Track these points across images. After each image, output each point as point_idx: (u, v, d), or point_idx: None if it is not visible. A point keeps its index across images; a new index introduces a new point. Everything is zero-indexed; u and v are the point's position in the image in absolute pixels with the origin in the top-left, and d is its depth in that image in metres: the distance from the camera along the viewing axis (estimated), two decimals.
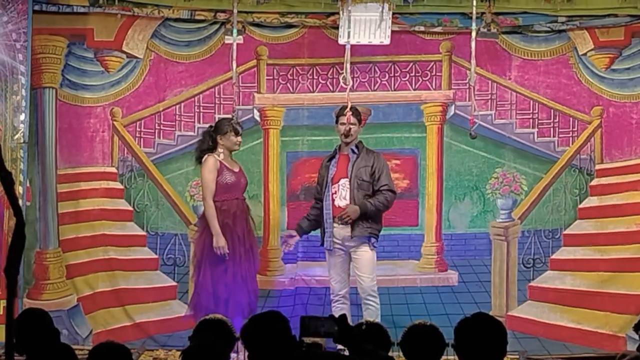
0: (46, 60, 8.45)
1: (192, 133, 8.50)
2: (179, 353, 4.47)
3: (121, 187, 8.54)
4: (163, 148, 8.57)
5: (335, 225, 7.56)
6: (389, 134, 8.52)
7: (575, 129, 8.47)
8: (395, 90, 8.55)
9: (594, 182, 8.45)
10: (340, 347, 4.39)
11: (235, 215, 7.64)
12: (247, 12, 8.35)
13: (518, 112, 8.50)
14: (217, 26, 8.48)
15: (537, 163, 8.50)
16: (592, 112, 8.45)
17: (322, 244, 7.67)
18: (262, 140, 8.56)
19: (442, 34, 8.48)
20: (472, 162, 8.50)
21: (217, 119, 8.12)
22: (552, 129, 8.50)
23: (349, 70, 7.66)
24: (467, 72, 8.11)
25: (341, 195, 7.60)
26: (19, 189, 7.94)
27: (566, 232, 8.43)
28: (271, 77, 8.57)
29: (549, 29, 8.41)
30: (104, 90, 8.52)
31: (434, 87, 8.54)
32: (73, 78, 8.50)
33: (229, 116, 7.89)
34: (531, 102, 8.49)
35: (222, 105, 8.51)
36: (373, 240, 7.55)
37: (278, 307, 7.91)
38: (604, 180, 8.42)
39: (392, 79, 8.55)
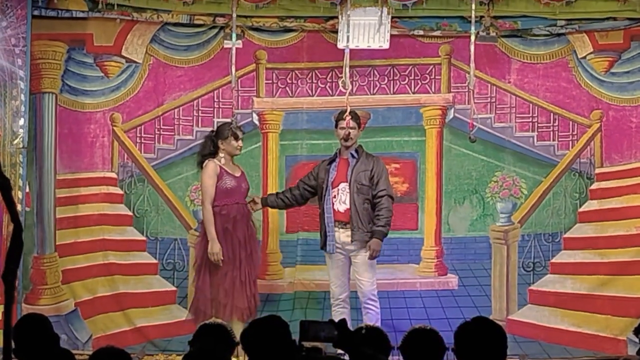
0: (46, 66, 8.45)
1: (191, 137, 8.50)
2: (179, 357, 4.47)
3: (121, 192, 8.53)
4: (163, 153, 8.57)
5: (336, 229, 7.56)
6: (389, 137, 8.51)
7: (575, 132, 8.46)
8: (394, 93, 8.54)
9: (594, 186, 8.44)
10: (340, 351, 4.38)
11: (235, 220, 7.63)
12: (246, 17, 8.34)
13: (517, 115, 8.49)
14: (216, 30, 8.48)
15: (536, 166, 8.48)
16: (591, 116, 8.44)
17: (322, 247, 7.67)
18: (261, 144, 8.55)
19: (441, 38, 8.48)
20: (472, 166, 8.49)
21: (217, 124, 8.12)
22: (551, 133, 8.49)
23: (348, 74, 7.66)
24: (467, 75, 8.10)
25: (341, 199, 7.60)
26: (19, 194, 7.94)
27: (566, 235, 8.42)
28: (270, 81, 8.57)
29: (548, 33, 8.40)
30: (103, 96, 8.52)
31: (433, 90, 8.53)
32: (73, 83, 8.50)
33: (230, 120, 7.90)
34: (531, 105, 8.48)
35: (221, 110, 8.51)
36: None
37: (277, 311, 7.89)
38: (604, 184, 8.41)
39: (391, 82, 8.54)
